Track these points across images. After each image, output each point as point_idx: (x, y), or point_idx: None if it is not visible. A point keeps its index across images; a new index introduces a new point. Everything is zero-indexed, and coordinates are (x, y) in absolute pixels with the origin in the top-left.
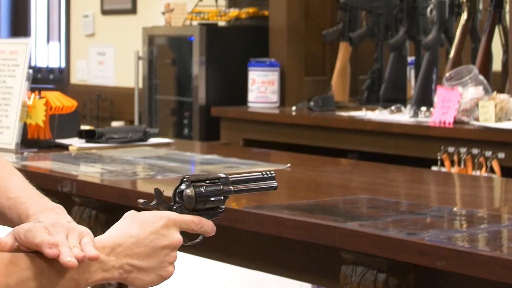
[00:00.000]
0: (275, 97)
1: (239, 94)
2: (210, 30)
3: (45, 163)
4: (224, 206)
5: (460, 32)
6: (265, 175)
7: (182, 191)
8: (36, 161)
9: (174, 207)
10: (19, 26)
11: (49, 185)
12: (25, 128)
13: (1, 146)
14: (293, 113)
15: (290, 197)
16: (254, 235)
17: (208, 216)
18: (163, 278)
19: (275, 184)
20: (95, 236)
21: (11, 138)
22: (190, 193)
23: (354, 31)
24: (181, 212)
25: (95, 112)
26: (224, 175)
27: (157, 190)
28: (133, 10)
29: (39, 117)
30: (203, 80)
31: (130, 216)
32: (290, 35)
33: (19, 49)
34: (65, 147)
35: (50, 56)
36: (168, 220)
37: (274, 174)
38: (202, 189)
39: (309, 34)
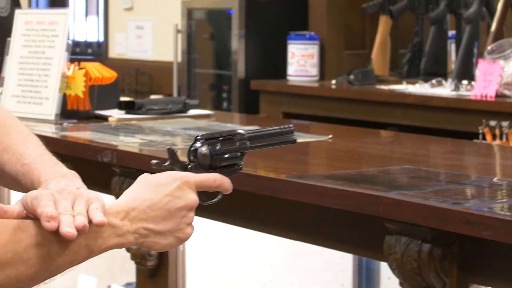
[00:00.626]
0: (314, 71)
1: (279, 67)
2: (249, 3)
3: (85, 134)
4: (242, 163)
5: (501, 5)
6: (283, 129)
7: (196, 149)
8: (76, 132)
9: (189, 166)
10: (58, 0)
11: (89, 155)
12: (64, 99)
13: (41, 117)
14: (333, 87)
15: (332, 167)
16: (296, 205)
17: (225, 173)
18: (181, 240)
19: (294, 137)
20: None
21: (51, 109)
22: (204, 151)
23: (395, 4)
24: (197, 171)
25: (134, 86)
26: (240, 131)
27: (170, 150)
28: None
29: (78, 88)
30: (242, 53)
31: (143, 179)
32: (330, 8)
33: (59, 19)
34: (105, 118)
35: (88, 30)
36: (182, 181)
37: (293, 128)
38: (217, 146)
39: (349, 7)
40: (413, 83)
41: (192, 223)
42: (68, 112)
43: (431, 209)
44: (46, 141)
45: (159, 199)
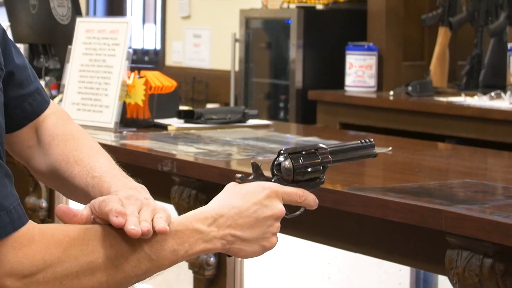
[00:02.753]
0: (372, 82)
1: (336, 78)
2: (308, 13)
3: (144, 142)
4: (324, 177)
5: None
6: (364, 143)
7: (280, 164)
8: (135, 140)
9: (272, 180)
10: (115, 8)
11: (149, 164)
12: (124, 107)
13: (101, 125)
14: (391, 98)
15: (393, 180)
16: (357, 217)
17: (308, 187)
18: (266, 249)
19: (375, 151)
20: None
21: (111, 117)
22: (288, 165)
23: (454, 16)
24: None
25: (190, 95)
26: (322, 145)
27: (254, 164)
28: None
29: (138, 97)
30: (300, 63)
31: (231, 187)
32: (389, 19)
33: (120, 28)
34: (164, 127)
35: (145, 38)
36: (271, 190)
37: (373, 142)
38: (300, 161)
39: (408, 18)
40: (472, 95)
41: (277, 234)
42: (127, 120)
43: (494, 224)
44: (106, 149)
45: (248, 207)
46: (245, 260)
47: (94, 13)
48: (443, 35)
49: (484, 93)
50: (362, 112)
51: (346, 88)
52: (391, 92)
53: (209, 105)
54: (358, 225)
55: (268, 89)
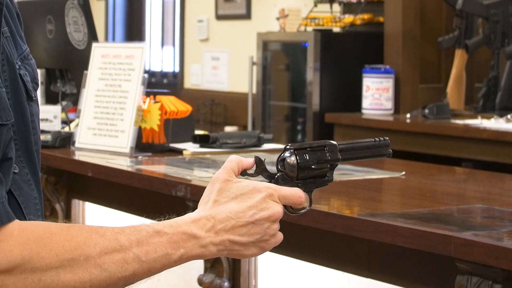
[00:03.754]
0: (389, 104)
1: (353, 100)
2: (324, 36)
3: (159, 167)
4: (332, 175)
5: None
6: (378, 142)
7: (284, 159)
8: (151, 165)
9: (276, 176)
10: (134, 31)
11: (163, 190)
12: (139, 132)
13: (116, 149)
14: (408, 121)
15: (404, 205)
16: (369, 243)
17: (315, 185)
18: (264, 250)
19: (390, 151)
20: None
21: (126, 141)
22: (292, 161)
23: (470, 38)
24: (284, 181)
25: (209, 117)
26: (332, 142)
27: (257, 158)
28: (247, 15)
29: (153, 121)
30: (317, 86)
31: (225, 186)
32: (405, 41)
33: (135, 53)
34: (179, 152)
35: (164, 61)
36: (267, 193)
37: (388, 140)
38: (306, 157)
39: (425, 41)
40: (488, 118)
41: (279, 231)
42: (143, 145)
43: (503, 250)
44: (121, 174)
45: (244, 210)
46: (260, 285)
47: (113, 37)
48: (459, 58)
49: (501, 116)
50: (379, 134)
51: (363, 111)
52: (408, 115)
53: (227, 128)
54: (369, 251)
55: (286, 111)
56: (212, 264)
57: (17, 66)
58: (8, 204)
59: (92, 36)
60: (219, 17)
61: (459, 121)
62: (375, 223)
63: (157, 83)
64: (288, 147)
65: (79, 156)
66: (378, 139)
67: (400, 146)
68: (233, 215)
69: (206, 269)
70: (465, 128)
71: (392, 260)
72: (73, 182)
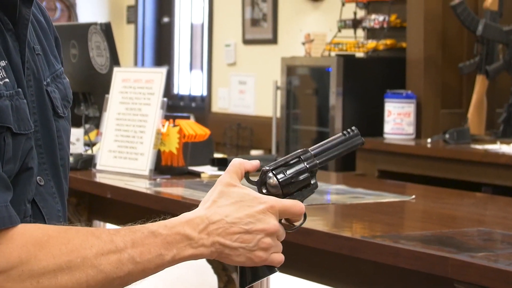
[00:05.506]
0: (411, 129)
1: (375, 125)
2: (347, 61)
3: (178, 190)
4: (316, 181)
5: None
6: (348, 134)
7: (265, 183)
8: (169, 188)
9: None
10: (163, 55)
11: (180, 211)
12: (159, 155)
13: (136, 172)
14: (428, 145)
15: (410, 228)
16: (373, 264)
17: (302, 196)
18: (254, 263)
19: (362, 139)
20: None
21: (145, 164)
22: (274, 182)
23: (491, 64)
24: None
25: (235, 141)
26: (304, 150)
27: (263, 170)
28: (273, 40)
29: (172, 145)
30: (339, 110)
31: (226, 188)
32: (427, 67)
33: (155, 77)
34: (197, 174)
35: (192, 84)
36: (267, 205)
37: (357, 131)
38: (285, 173)
39: (446, 66)
40: (508, 143)
41: (276, 250)
42: (162, 167)
43: (496, 272)
44: (139, 196)
45: (241, 218)
46: None
47: (143, 61)
48: (480, 83)
49: None
50: (400, 159)
51: (385, 136)
52: (429, 140)
53: (253, 152)
54: (373, 272)
55: (312, 136)
56: (225, 284)
57: (45, 83)
58: (31, 214)
59: (114, 60)
60: (246, 41)
61: (479, 146)
62: (378, 245)
63: (186, 107)
64: (265, 169)
65: (99, 178)
66: (347, 132)
67: (421, 170)
68: (229, 219)
69: None
70: (484, 153)
71: (395, 281)
72: (94, 203)
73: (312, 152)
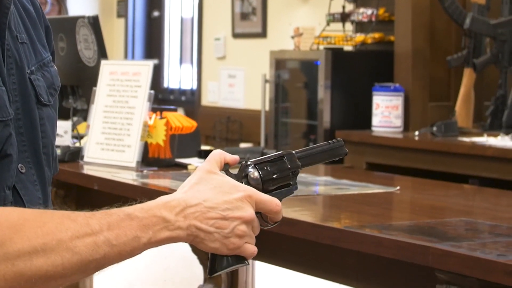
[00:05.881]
0: (399, 122)
1: (363, 118)
2: (335, 55)
3: (164, 181)
4: (296, 183)
5: None
6: (333, 144)
7: (247, 175)
8: (156, 179)
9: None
10: (153, 49)
11: None
12: (146, 147)
13: (123, 164)
14: (416, 138)
15: (393, 218)
16: (356, 254)
17: (281, 194)
18: (227, 249)
19: (345, 150)
20: None
21: (132, 156)
22: (255, 175)
23: (479, 57)
24: None
25: (225, 134)
26: (289, 151)
27: (244, 164)
28: (263, 34)
29: (159, 137)
30: (328, 103)
31: (205, 175)
32: (415, 60)
33: (142, 70)
34: (184, 166)
35: (182, 78)
36: (245, 194)
37: (342, 141)
38: (267, 169)
39: (434, 60)
40: (495, 136)
41: (250, 241)
42: (149, 159)
43: (475, 260)
44: (126, 187)
45: (218, 204)
46: None
47: (133, 55)
48: (468, 76)
49: (507, 133)
50: (388, 152)
51: (373, 128)
52: (416, 133)
53: (242, 145)
54: (357, 261)
55: (300, 129)
56: None
57: (29, 71)
58: (12, 201)
59: (102, 53)
60: (235, 35)
61: (466, 139)
62: (360, 235)
63: (176, 100)
64: (248, 163)
65: (86, 170)
66: (332, 141)
67: (409, 163)
68: (207, 204)
69: (205, 280)
70: (471, 146)
71: (378, 271)
72: (81, 195)
73: (296, 155)
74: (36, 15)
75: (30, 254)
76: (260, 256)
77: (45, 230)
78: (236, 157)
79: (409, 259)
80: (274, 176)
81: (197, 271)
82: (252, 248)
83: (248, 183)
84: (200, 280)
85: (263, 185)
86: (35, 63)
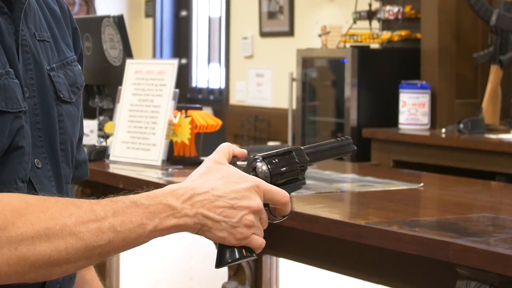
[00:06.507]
0: (425, 119)
1: (390, 115)
2: (362, 53)
3: None
4: (304, 178)
5: None
6: (341, 141)
7: (255, 168)
8: (181, 177)
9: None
10: (181, 48)
11: None
12: (171, 145)
13: (148, 162)
14: (443, 135)
15: (415, 214)
16: (379, 250)
17: (289, 189)
18: (234, 239)
19: (354, 147)
20: None
21: (158, 155)
22: (264, 169)
23: (505, 54)
24: None
25: (252, 133)
26: (296, 147)
27: (252, 157)
28: (290, 33)
29: (184, 135)
30: (355, 101)
31: (214, 166)
32: (442, 57)
33: (167, 69)
34: None
35: (210, 77)
36: (254, 184)
37: (350, 139)
38: (275, 162)
39: (461, 57)
40: None
41: (257, 232)
42: (174, 158)
43: (496, 255)
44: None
45: (226, 193)
46: None
47: (161, 54)
48: (494, 73)
49: None
50: (415, 149)
51: (400, 126)
52: (443, 130)
53: (270, 143)
54: (379, 257)
55: (325, 127)
56: (235, 272)
57: (49, 68)
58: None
59: (127, 52)
60: (263, 34)
61: (493, 136)
62: (381, 231)
63: (204, 100)
64: (256, 156)
65: (112, 169)
66: (340, 139)
67: (435, 160)
68: (214, 193)
69: (229, 277)
70: (498, 143)
71: (399, 267)
72: (107, 194)
73: (304, 150)
74: (62, 16)
75: (33, 239)
76: (284, 253)
77: (48, 215)
78: (244, 151)
79: (430, 254)
80: (283, 170)
81: (221, 269)
82: (260, 240)
83: (256, 176)
84: (225, 278)
85: (272, 179)
86: (58, 61)
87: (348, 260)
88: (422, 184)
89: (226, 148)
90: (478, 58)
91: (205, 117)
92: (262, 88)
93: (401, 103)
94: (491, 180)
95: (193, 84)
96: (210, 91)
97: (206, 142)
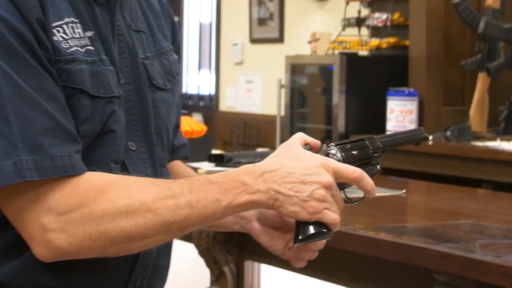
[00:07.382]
0: (413, 126)
1: (378, 122)
2: (350, 60)
3: None
4: (378, 164)
5: None
6: (414, 131)
7: (327, 153)
8: None
9: None
10: None
11: None
12: None
13: None
14: (430, 143)
15: (394, 221)
16: (360, 257)
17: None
18: (308, 213)
19: (426, 135)
20: None
21: None
22: (336, 154)
23: (493, 62)
24: None
25: (242, 139)
26: (369, 136)
27: (325, 148)
28: (280, 39)
29: None
30: (342, 108)
31: (285, 148)
32: (430, 64)
33: None
34: (194, 170)
35: (201, 84)
36: (322, 161)
37: (423, 128)
38: (348, 148)
39: (449, 64)
40: (509, 140)
41: (330, 207)
42: None
43: (472, 262)
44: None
45: (296, 170)
46: None
47: None
48: (482, 81)
49: None
50: (403, 157)
51: (387, 133)
52: (430, 137)
53: (259, 149)
54: (357, 263)
55: (314, 133)
56: (217, 278)
57: (143, 56)
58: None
59: None
60: (253, 40)
61: (480, 143)
62: (360, 237)
63: (194, 106)
64: (330, 144)
65: None
66: (413, 129)
67: (422, 167)
68: (285, 169)
69: (212, 282)
70: (484, 150)
71: (378, 273)
72: None
73: (377, 138)
74: (161, 9)
75: (113, 215)
76: (266, 259)
77: (128, 192)
78: (317, 141)
79: (408, 260)
80: (354, 153)
81: (204, 275)
82: (333, 215)
83: None
84: (207, 283)
85: (344, 162)
86: (154, 51)
87: (329, 266)
88: (404, 191)
89: (300, 136)
90: (466, 65)
91: (190, 123)
92: (251, 95)
93: (388, 110)
94: (478, 187)
95: (184, 90)
96: (200, 97)
97: (191, 148)
